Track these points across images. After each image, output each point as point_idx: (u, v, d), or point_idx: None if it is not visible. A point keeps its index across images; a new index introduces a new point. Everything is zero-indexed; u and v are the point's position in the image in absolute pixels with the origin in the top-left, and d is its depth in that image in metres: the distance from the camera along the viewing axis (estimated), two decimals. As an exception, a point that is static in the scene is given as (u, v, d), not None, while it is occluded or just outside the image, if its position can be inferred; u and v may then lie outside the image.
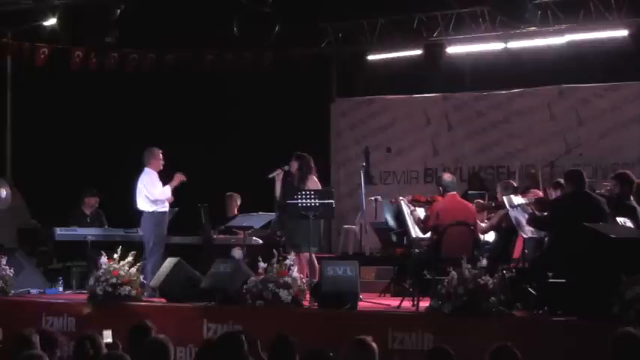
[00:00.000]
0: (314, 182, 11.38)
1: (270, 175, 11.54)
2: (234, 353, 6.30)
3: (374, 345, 6.22)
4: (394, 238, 12.23)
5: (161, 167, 11.90)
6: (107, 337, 7.46)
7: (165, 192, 11.82)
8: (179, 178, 11.88)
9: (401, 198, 10.90)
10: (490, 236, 10.80)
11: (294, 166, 11.44)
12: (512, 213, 9.87)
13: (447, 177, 10.81)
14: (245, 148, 15.72)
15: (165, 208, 11.82)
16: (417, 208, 10.71)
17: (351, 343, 6.24)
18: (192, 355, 9.35)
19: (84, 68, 15.03)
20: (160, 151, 11.92)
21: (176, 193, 11.97)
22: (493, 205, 10.97)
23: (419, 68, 15.38)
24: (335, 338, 6.38)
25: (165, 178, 11.92)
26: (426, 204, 10.71)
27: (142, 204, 11.75)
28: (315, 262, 11.05)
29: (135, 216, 12.02)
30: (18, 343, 6.63)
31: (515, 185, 11.09)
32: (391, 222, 12.15)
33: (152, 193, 11.73)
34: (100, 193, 13.59)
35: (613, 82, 14.80)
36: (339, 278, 9.66)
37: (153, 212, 11.70)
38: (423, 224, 10.47)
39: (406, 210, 10.67)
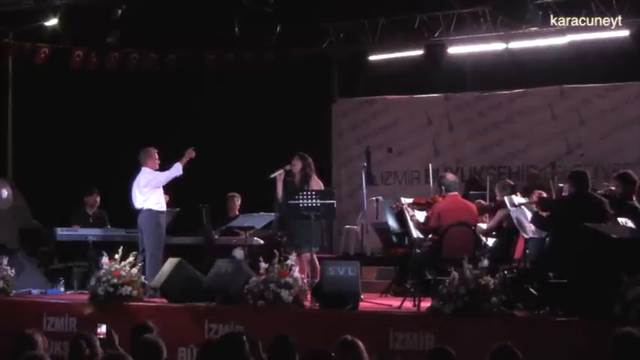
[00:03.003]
0: (317, 182, 11.39)
1: (272, 175, 11.54)
2: (236, 354, 6.29)
3: (359, 342, 6.23)
4: (395, 239, 12.22)
5: (157, 167, 11.86)
6: (101, 331, 7.45)
7: (177, 168, 11.73)
8: (190, 154, 11.82)
9: (402, 202, 10.90)
10: (491, 238, 10.79)
11: (298, 166, 11.43)
12: (514, 213, 9.86)
13: (450, 177, 10.90)
14: (246, 149, 15.71)
15: (163, 207, 11.76)
16: (416, 213, 10.73)
17: (336, 345, 6.24)
18: (194, 356, 9.35)
19: (85, 68, 15.02)
20: (155, 150, 11.89)
21: (177, 193, 11.95)
22: (493, 206, 10.96)
23: (420, 68, 15.34)
24: (336, 339, 6.36)
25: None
26: (427, 206, 10.72)
27: (140, 201, 11.67)
28: (317, 262, 11.06)
29: (137, 216, 12.00)
30: (19, 344, 6.61)
31: (512, 184, 11.07)
32: (393, 224, 12.14)
33: (163, 176, 11.68)
34: (101, 192, 13.58)
35: (614, 82, 14.79)
36: (341, 278, 9.65)
37: (150, 210, 11.62)
38: (424, 226, 10.48)
39: (407, 214, 10.71)
